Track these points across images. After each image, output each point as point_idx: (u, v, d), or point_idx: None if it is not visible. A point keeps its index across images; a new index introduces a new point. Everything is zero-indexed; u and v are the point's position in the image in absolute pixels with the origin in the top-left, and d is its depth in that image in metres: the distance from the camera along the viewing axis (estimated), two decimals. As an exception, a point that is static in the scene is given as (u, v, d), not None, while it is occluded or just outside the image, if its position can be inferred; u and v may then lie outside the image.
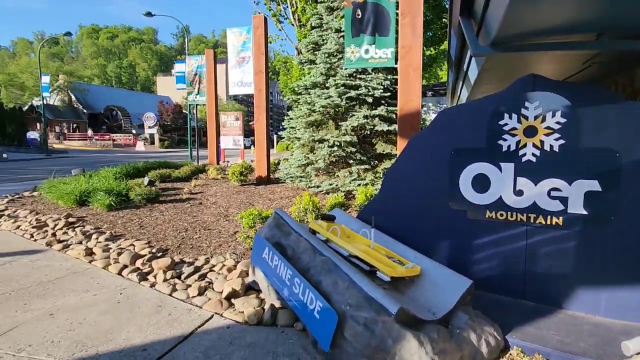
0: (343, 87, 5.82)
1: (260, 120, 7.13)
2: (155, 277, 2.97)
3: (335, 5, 6.72)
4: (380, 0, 4.54)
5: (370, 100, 5.75)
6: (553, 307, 2.35)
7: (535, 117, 2.38)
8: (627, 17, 2.12)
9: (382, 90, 5.71)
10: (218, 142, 9.90)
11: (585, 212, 2.26)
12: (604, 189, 2.21)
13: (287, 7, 14.25)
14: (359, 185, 5.42)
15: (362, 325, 1.79)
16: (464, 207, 2.62)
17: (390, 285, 2.26)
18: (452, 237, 2.70)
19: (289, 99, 7.75)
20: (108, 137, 37.42)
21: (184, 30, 23.29)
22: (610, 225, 2.21)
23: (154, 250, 3.49)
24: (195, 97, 11.10)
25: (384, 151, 5.82)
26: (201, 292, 2.70)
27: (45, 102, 25.45)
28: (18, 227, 4.39)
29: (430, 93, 16.19)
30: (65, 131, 39.74)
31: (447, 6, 12.30)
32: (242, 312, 2.40)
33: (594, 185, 2.23)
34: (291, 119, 6.86)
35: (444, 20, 12.98)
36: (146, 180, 6.44)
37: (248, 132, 25.34)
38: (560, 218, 2.32)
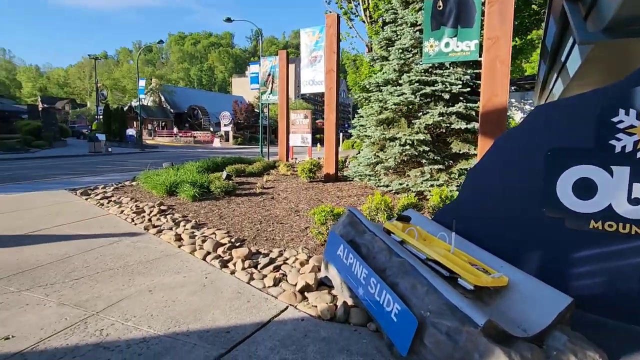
0: (417, 84, 5.60)
1: (329, 119, 7.21)
2: (234, 265, 3.17)
3: (411, -1, 6.49)
4: (464, -10, 4.25)
5: (446, 96, 5.45)
6: (677, 339, 1.98)
7: (661, 114, 2.02)
8: None
9: (460, 86, 5.36)
10: (287, 139, 10.26)
11: None
12: None
13: (359, 4, 14.17)
14: (432, 186, 5.18)
15: (445, 334, 1.69)
16: (561, 215, 2.33)
17: (473, 295, 2.11)
18: (544, 247, 2.42)
19: (359, 96, 7.69)
20: (190, 134, 41.23)
21: (258, 33, 24.57)
22: None
23: (232, 240, 3.74)
24: (268, 97, 11.63)
25: (460, 151, 5.48)
26: (276, 283, 2.82)
27: (140, 102, 28.95)
28: (122, 211, 5.05)
29: (513, 88, 14.82)
30: (156, 128, 44.75)
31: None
32: (315, 306, 2.45)
33: None
34: (361, 116, 6.81)
35: (533, 7, 11.73)
36: (224, 174, 6.94)
37: (314, 130, 25.87)
38: (693, 234, 1.94)
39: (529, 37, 13.70)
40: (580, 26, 2.40)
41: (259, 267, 3.12)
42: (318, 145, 24.01)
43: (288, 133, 10.28)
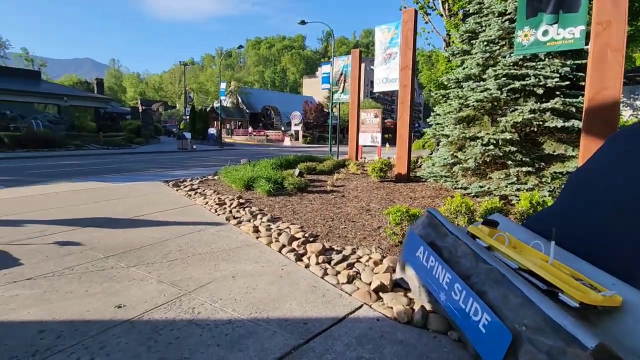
0: (504, 78, 5.12)
1: (403, 117, 7.00)
2: (308, 259, 3.25)
3: (499, -14, 5.96)
4: (566, -30, 3.76)
5: (540, 91, 4.89)
6: None
7: None
8: None
9: (557, 79, 4.78)
10: (357, 138, 10.22)
11: None
12: None
13: (436, -3, 13.50)
14: (518, 190, 4.70)
15: (545, 353, 1.51)
16: (699, 229, 1.93)
17: (576, 313, 1.85)
18: (672, 266, 2.03)
19: (435, 94, 7.33)
20: (263, 133, 43.55)
21: (329, 34, 24.93)
22: None
23: (306, 235, 3.83)
24: (340, 96, 11.72)
25: (554, 152, 4.89)
26: (349, 280, 2.81)
27: (221, 104, 31.44)
28: (207, 202, 5.52)
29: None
30: (233, 128, 48.18)
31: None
32: (391, 307, 2.39)
33: None
34: (438, 114, 6.48)
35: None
36: (297, 171, 7.17)
37: (383, 130, 25.40)
38: None
39: (642, 21, 11.63)
40: None
41: (332, 262, 3.15)
42: (387, 145, 23.54)
43: (358, 132, 10.23)
